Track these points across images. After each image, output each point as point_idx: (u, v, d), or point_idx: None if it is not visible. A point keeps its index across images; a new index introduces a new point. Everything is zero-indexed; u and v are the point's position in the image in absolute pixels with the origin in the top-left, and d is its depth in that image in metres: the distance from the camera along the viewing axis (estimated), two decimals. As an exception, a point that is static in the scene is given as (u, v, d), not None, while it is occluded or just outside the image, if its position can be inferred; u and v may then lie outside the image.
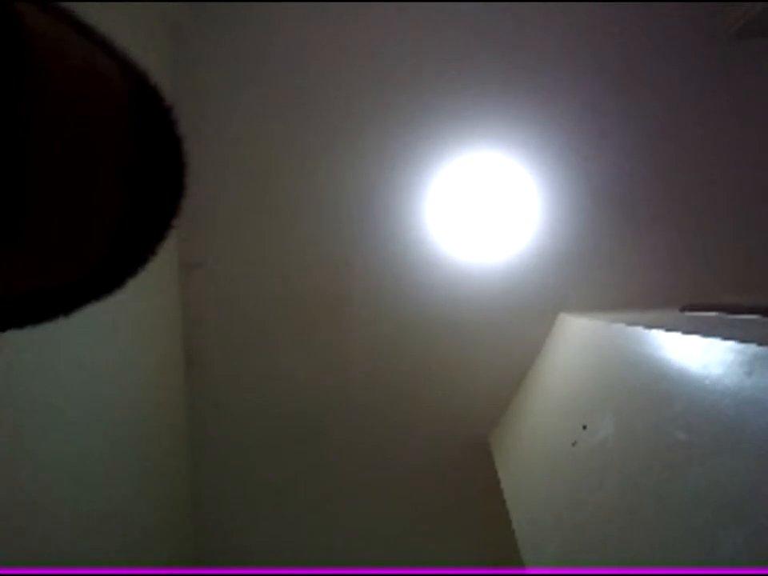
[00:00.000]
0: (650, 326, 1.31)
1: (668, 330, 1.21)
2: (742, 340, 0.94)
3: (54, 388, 1.52)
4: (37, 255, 0.31)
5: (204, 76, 2.28)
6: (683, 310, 1.75)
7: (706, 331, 1.11)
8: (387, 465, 2.31)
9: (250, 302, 2.33)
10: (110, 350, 1.81)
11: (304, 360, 2.31)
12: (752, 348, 0.90)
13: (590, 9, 2.15)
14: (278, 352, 2.33)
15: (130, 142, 0.33)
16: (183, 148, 0.38)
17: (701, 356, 1.04)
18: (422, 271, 2.23)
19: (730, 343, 0.96)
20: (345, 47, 2.26)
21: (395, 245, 2.25)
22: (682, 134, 2.17)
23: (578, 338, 1.78)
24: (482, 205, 2.22)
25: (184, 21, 2.22)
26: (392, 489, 2.32)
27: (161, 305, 2.19)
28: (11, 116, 0.26)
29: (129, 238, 0.36)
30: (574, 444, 1.26)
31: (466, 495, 2.25)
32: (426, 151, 2.22)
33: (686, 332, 1.14)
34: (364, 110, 2.25)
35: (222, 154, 2.25)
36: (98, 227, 0.33)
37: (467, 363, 2.26)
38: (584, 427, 1.25)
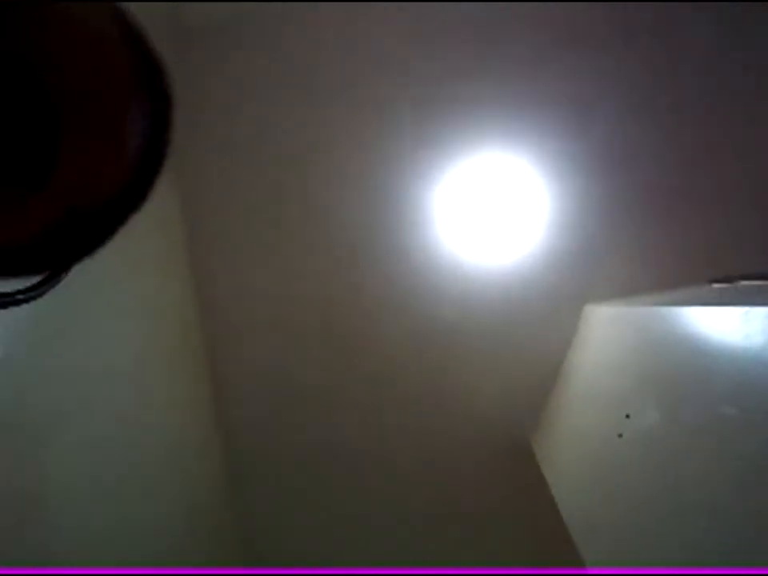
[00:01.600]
0: (680, 304, 1.26)
1: (701, 305, 1.17)
2: (781, 304, 0.90)
3: (69, 394, 1.50)
4: (80, 173, 0.38)
5: (210, 81, 2.26)
6: (712, 283, 1.69)
7: (742, 301, 1.07)
8: (428, 479, 2.28)
9: (266, 304, 2.33)
10: (125, 356, 1.80)
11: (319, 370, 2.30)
12: (793, 311, 0.86)
13: (591, 7, 2.11)
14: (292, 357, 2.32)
15: (134, 76, 0.41)
16: (168, 77, 0.46)
17: (740, 327, 1.00)
18: (437, 277, 2.21)
19: (769, 309, 0.92)
20: (350, 51, 2.24)
21: (407, 251, 2.23)
22: (690, 119, 2.13)
23: (608, 327, 1.74)
24: (492, 206, 2.20)
25: (192, 23, 2.22)
26: (437, 503, 2.28)
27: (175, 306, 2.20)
28: (46, 62, 0.34)
29: (149, 149, 0.43)
30: (620, 436, 1.22)
31: (512, 499, 2.20)
32: (434, 154, 2.20)
33: (720, 304, 1.09)
34: (370, 113, 2.23)
35: (227, 156, 2.25)
36: (126, 138, 0.41)
37: (497, 368, 2.22)
38: (627, 416, 1.21)
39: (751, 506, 0.84)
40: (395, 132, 2.21)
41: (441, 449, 2.26)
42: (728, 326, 1.04)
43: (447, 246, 2.21)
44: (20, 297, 0.51)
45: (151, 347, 1.99)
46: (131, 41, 0.42)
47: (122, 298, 1.81)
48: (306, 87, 2.25)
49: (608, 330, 1.72)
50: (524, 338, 2.18)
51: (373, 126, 2.23)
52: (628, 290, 2.10)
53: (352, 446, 2.32)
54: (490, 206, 2.20)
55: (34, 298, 0.53)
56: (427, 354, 2.24)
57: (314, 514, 2.40)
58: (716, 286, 1.70)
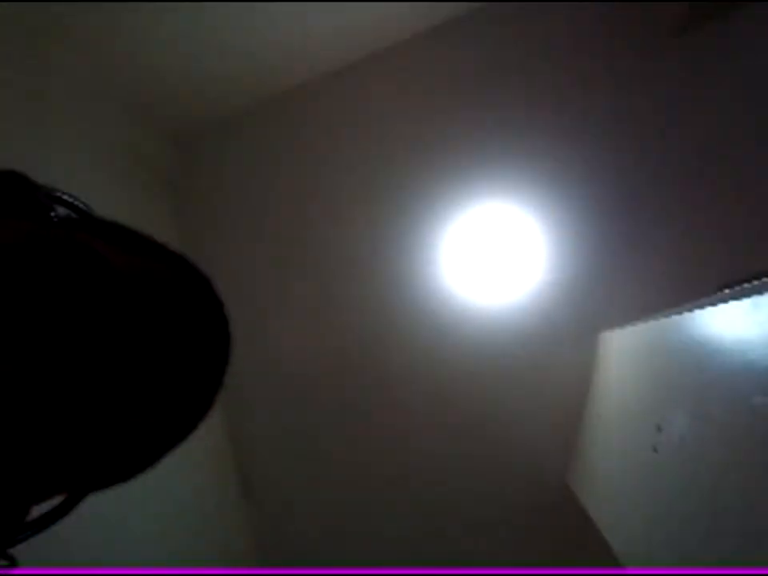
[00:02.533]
0: (689, 311, 1.26)
1: (708, 306, 1.16)
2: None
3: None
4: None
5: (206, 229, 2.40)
6: (719, 289, 1.68)
7: (748, 293, 1.06)
8: (468, 533, 2.18)
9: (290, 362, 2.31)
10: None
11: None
12: (798, 290, 0.86)
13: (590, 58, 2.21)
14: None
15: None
16: (230, 323, 0.44)
17: (750, 317, 0.99)
18: (450, 320, 2.21)
19: (775, 293, 0.92)
20: (358, 116, 2.37)
21: (421, 298, 2.25)
22: (671, 143, 2.18)
23: (624, 348, 1.72)
24: (497, 249, 2.25)
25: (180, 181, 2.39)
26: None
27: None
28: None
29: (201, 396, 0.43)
30: (655, 450, 1.18)
31: (559, 543, 2.09)
32: (438, 207, 2.27)
33: (727, 301, 1.09)
34: (379, 178, 2.32)
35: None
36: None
37: (522, 409, 2.17)
38: (658, 429, 1.18)
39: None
40: (404, 186, 2.29)
41: (474, 501, 2.17)
42: (739, 320, 1.03)
43: (457, 290, 2.24)
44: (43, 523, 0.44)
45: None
46: (195, 289, 0.40)
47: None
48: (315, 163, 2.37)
49: (624, 351, 1.70)
50: (544, 375, 2.15)
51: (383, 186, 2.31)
52: (641, 312, 2.09)
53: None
54: (495, 250, 2.25)
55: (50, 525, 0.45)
56: (450, 402, 2.21)
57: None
58: (727, 291, 1.68)
